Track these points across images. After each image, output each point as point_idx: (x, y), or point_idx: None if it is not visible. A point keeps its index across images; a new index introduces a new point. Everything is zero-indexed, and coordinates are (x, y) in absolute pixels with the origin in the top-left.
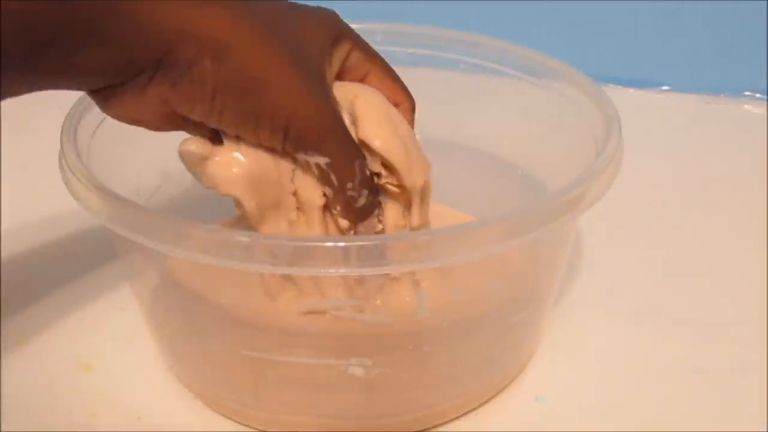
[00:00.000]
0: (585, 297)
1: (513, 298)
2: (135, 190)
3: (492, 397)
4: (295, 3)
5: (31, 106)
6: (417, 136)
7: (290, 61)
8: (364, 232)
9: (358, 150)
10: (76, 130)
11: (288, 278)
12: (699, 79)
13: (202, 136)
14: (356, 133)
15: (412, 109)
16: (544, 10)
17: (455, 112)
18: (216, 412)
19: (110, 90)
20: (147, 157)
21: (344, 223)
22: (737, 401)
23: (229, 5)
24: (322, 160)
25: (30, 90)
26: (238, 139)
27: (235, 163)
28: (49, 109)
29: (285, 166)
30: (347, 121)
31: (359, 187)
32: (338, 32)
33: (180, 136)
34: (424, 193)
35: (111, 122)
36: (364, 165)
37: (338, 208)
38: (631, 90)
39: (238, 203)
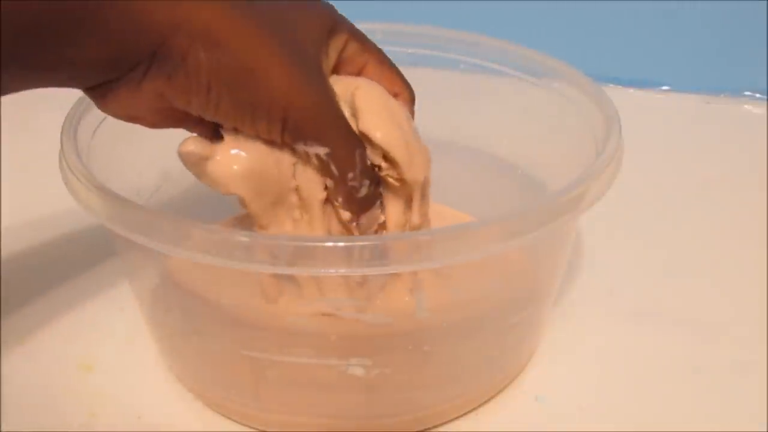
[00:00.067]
0: (585, 297)
1: (513, 298)
2: (135, 190)
3: (492, 397)
4: None
5: (31, 105)
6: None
7: (285, 51)
8: (367, 223)
9: (358, 139)
10: (76, 130)
11: (286, 280)
12: (699, 79)
13: (201, 134)
14: (357, 126)
15: (412, 100)
16: (544, 10)
17: (455, 112)
18: (216, 412)
19: (106, 86)
20: (147, 157)
21: (346, 215)
22: (737, 401)
23: None
24: (322, 150)
25: (26, 86)
26: (237, 133)
27: (235, 160)
28: (49, 109)
29: (286, 161)
30: (347, 113)
31: (360, 177)
32: (334, 23)
33: (180, 135)
34: (425, 188)
35: (111, 122)
36: (364, 155)
37: (340, 199)
38: (631, 90)
39: (242, 202)
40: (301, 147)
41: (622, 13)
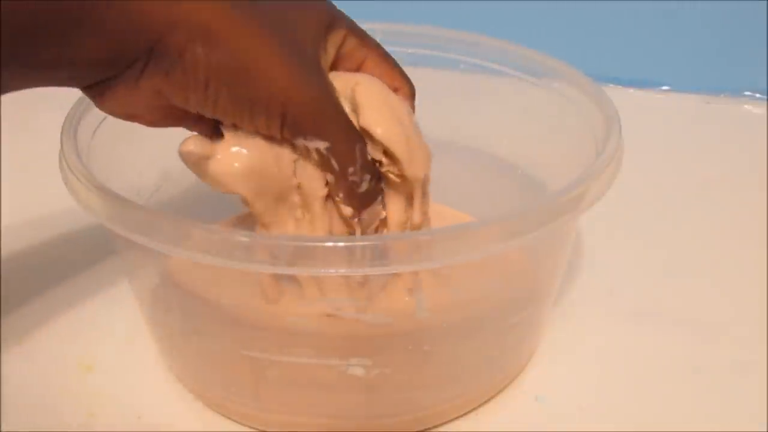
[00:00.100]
0: (585, 297)
1: (513, 298)
2: (135, 190)
3: (492, 397)
4: None
5: (31, 105)
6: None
7: (285, 51)
8: (368, 219)
9: (358, 134)
10: (76, 130)
11: (286, 280)
12: (699, 79)
13: (201, 132)
14: (358, 121)
15: (412, 95)
16: (544, 10)
17: (455, 112)
18: (216, 412)
19: (104, 84)
20: (147, 156)
21: (348, 210)
22: (737, 401)
23: None
24: (322, 145)
25: (26, 85)
26: (236, 130)
27: (236, 157)
28: (49, 109)
29: (286, 157)
30: (348, 109)
31: (361, 172)
32: (332, 19)
33: (180, 135)
34: (426, 186)
35: (111, 122)
36: (364, 149)
37: (341, 194)
38: (631, 90)
39: (244, 200)
40: (300, 142)
41: (622, 13)
